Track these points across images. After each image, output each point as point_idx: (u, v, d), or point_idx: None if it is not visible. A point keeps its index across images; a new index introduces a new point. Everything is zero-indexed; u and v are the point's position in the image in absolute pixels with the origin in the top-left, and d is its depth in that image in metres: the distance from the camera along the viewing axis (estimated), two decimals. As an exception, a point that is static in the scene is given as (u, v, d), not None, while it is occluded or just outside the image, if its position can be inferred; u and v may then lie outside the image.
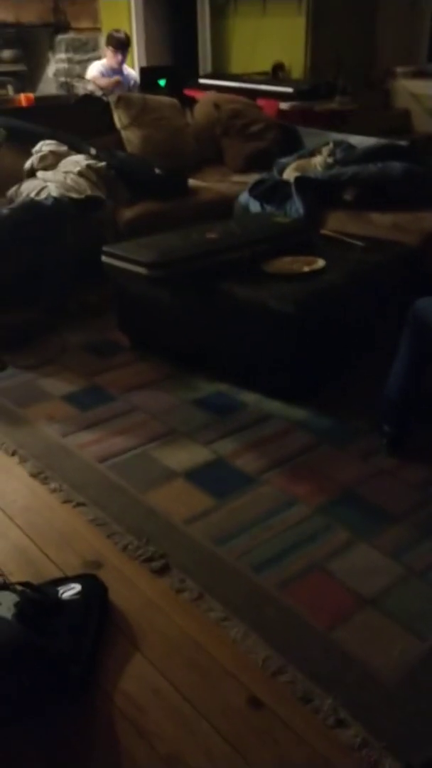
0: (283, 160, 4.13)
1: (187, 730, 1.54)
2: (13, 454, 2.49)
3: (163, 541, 2.05)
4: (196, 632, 1.76)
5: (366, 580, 1.91)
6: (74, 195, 3.63)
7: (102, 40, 6.57)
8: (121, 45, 5.63)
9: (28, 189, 3.74)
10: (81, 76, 6.18)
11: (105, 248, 3.02)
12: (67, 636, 1.64)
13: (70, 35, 6.72)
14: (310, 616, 1.80)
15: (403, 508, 2.19)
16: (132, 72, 5.93)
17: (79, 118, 4.45)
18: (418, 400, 2.46)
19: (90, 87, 5.55)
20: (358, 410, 2.69)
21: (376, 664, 1.67)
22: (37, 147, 3.96)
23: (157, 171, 4.03)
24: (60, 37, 6.69)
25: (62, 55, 6.76)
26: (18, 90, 5.88)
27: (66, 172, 3.77)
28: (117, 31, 5.70)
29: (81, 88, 5.54)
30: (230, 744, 1.51)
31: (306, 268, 2.87)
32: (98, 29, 6.83)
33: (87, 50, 6.79)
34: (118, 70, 5.72)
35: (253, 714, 1.57)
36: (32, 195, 3.65)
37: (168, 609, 1.83)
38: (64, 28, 6.65)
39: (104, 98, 4.75)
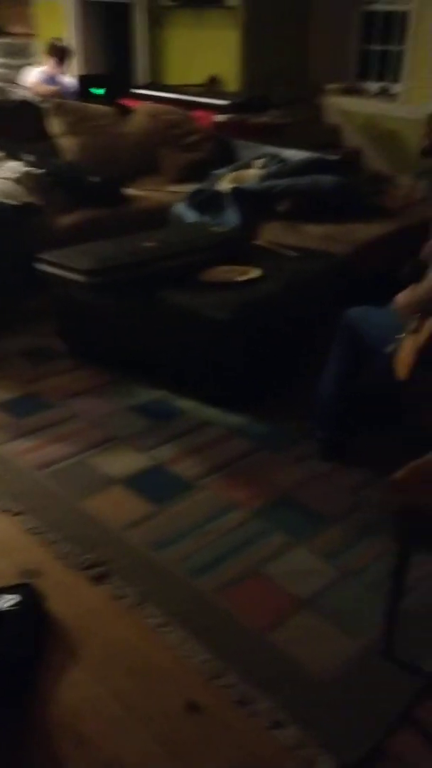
0: (219, 171, 4.19)
1: (125, 736, 1.54)
2: None
3: (103, 548, 2.05)
4: (135, 638, 1.77)
5: (302, 582, 1.95)
6: (10, 202, 3.59)
7: (37, 46, 6.52)
8: (63, 55, 5.62)
9: (-39, 195, 3.66)
10: (16, 82, 6.11)
11: (42, 256, 2.99)
12: (4, 646, 1.62)
13: (7, 40, 6.64)
14: (248, 619, 1.83)
15: (338, 511, 2.25)
16: (71, 81, 5.90)
17: (14, 124, 4.40)
18: (349, 406, 2.53)
19: (26, 93, 5.50)
20: (294, 416, 2.74)
21: (313, 665, 1.71)
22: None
23: (91, 179, 4.02)
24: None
25: (-1, 60, 6.68)
26: None
27: (2, 179, 3.72)
28: (58, 40, 5.68)
29: (17, 94, 5.47)
30: (169, 749, 1.52)
31: (241, 278, 2.92)
32: (32, 35, 6.77)
33: (24, 56, 6.72)
34: (56, 79, 5.69)
35: (192, 718, 1.59)
36: (-34, 201, 3.58)
37: (107, 616, 1.83)
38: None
39: (41, 105, 4.70)
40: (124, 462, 2.47)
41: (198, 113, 5.29)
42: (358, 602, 1.90)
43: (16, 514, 2.20)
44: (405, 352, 2.06)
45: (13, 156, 3.98)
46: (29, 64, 6.26)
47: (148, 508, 2.24)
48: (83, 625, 1.80)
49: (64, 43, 5.64)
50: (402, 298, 2.09)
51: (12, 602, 1.73)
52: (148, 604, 1.86)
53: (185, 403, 2.84)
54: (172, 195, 4.22)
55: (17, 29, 6.71)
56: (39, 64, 5.73)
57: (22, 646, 1.66)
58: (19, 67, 6.42)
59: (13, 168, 3.81)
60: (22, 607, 1.73)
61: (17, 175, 3.74)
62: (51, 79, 5.68)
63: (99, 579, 1.94)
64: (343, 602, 1.89)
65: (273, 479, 2.40)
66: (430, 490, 1.53)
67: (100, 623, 1.81)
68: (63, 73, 5.75)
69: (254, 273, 2.94)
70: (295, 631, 1.80)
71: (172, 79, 6.99)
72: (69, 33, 6.67)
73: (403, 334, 2.12)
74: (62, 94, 5.61)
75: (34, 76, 5.75)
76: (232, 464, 2.48)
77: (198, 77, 6.58)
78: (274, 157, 4.11)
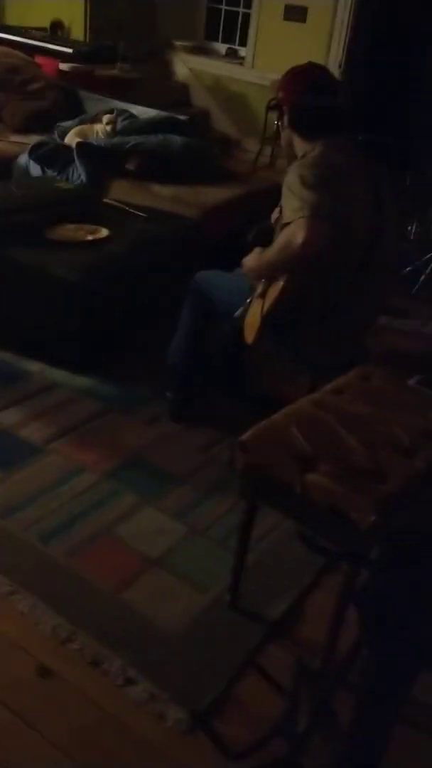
0: (65, 123, 4.03)
1: (-27, 707, 1.51)
2: None
3: None
4: (-19, 608, 1.72)
5: (152, 541, 1.99)
6: None
7: None
8: None
9: None
10: None
11: None
12: None
13: None
14: (99, 580, 1.84)
15: (186, 470, 2.29)
16: None
17: None
18: (198, 368, 2.57)
19: None
20: (143, 378, 2.75)
21: (163, 621, 1.75)
22: None
23: None
24: None
25: None
26: None
27: None
28: None
29: None
30: (19, 716, 1.51)
31: (90, 237, 2.86)
32: None
33: None
34: None
35: (43, 683, 1.58)
36: None
37: None
38: None
39: None
40: (-34, 427, 2.37)
41: (41, 59, 5.04)
42: (206, 558, 1.96)
43: None
44: (252, 317, 2.11)
45: None
46: None
47: (-8, 473, 2.17)
48: None
49: None
50: (249, 261, 2.13)
51: None
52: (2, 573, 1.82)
53: (32, 365, 2.75)
54: (14, 145, 4.01)
55: None
56: None
57: None
58: None
59: None
60: None
61: None
62: None
63: None
64: (192, 559, 1.95)
65: (122, 441, 2.40)
66: (273, 450, 1.60)
67: None
68: None
69: (102, 233, 2.88)
70: (146, 589, 1.83)
71: (12, 20, 6.57)
72: None
73: (251, 299, 2.17)
74: None
75: None
76: (81, 426, 2.45)
77: (40, 21, 6.24)
78: (122, 113, 4.01)
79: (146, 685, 1.59)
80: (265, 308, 2.00)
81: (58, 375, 2.72)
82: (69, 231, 2.87)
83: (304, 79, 2.08)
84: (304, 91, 2.05)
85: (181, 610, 1.79)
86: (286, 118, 2.08)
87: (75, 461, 2.27)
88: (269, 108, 4.62)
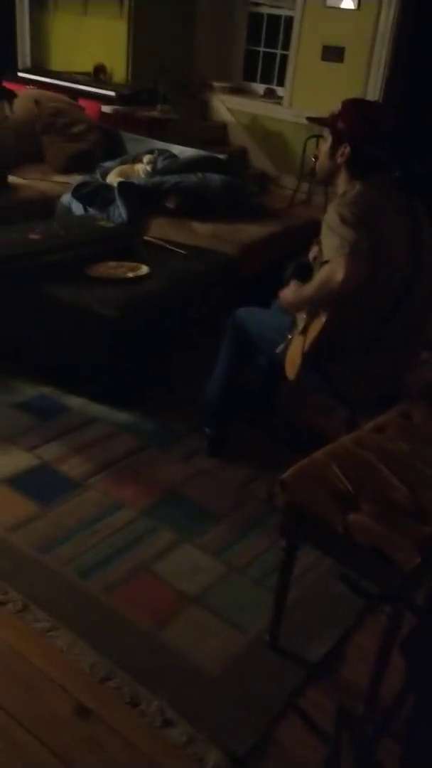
0: (107, 164, 4.13)
1: (11, 745, 1.50)
2: None
3: (-16, 552, 1.98)
4: (20, 644, 1.72)
5: (190, 578, 1.97)
6: None
7: None
8: None
9: None
10: None
11: None
12: None
13: None
14: (137, 618, 1.83)
15: (224, 507, 2.28)
16: None
17: None
18: (235, 403, 2.58)
19: None
20: (180, 413, 2.75)
21: (201, 660, 1.73)
22: None
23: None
24: None
25: None
26: None
27: None
28: None
29: None
30: (56, 755, 1.50)
31: (130, 274, 2.90)
32: None
33: None
34: None
35: (80, 722, 1.57)
36: None
37: (-10, 622, 1.77)
38: None
39: None
40: (8, 461, 2.39)
41: (84, 102, 5.19)
42: (245, 597, 1.94)
43: None
44: (294, 353, 2.11)
45: None
46: None
47: (33, 508, 2.18)
48: (-35, 633, 1.73)
49: None
50: (287, 294, 2.14)
51: None
52: (34, 608, 1.82)
53: (71, 400, 2.78)
54: (58, 185, 4.12)
55: None
56: None
57: None
58: None
59: None
60: None
61: None
62: None
63: (-19, 583, 1.87)
64: (230, 598, 1.93)
65: (160, 476, 2.40)
66: (314, 489, 1.58)
67: (-17, 629, 1.75)
68: None
69: (142, 270, 2.93)
70: (184, 628, 1.82)
71: (57, 66, 6.81)
72: None
73: (292, 336, 2.17)
74: None
75: None
76: (119, 462, 2.46)
77: (83, 66, 6.45)
78: (162, 153, 4.10)
79: (184, 727, 1.57)
80: (307, 344, 2.01)
81: (98, 410, 2.74)
82: (110, 268, 2.92)
83: (373, 123, 2.07)
84: (370, 134, 2.04)
85: (219, 649, 1.77)
86: (340, 151, 2.06)
87: (113, 497, 2.27)
88: (313, 137, 4.67)
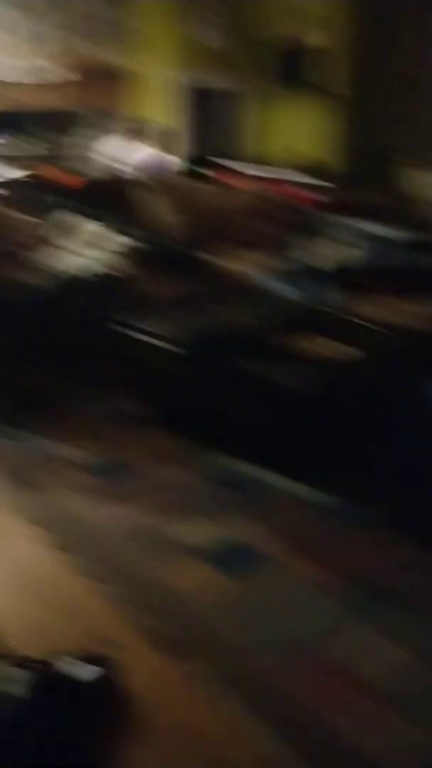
0: (314, 245, 4.23)
1: None
2: (30, 521, 2.46)
3: (183, 626, 1.99)
4: (212, 727, 1.68)
5: (367, 663, 1.84)
6: (107, 271, 3.73)
7: (148, 128, 6.88)
8: (166, 143, 5.88)
9: (59, 262, 3.85)
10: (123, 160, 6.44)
11: (130, 323, 3.08)
12: (77, 719, 1.58)
13: (115, 120, 7.04)
14: (337, 717, 1.71)
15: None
16: (169, 159, 6.17)
17: (120, 200, 4.62)
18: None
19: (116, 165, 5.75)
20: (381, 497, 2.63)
21: (373, 753, 1.59)
22: (57, 216, 4.09)
23: (183, 249, 4.15)
24: (105, 121, 7.02)
25: (107, 138, 7.08)
26: (62, 169, 6.16)
27: (96, 247, 3.90)
28: (161, 124, 5.94)
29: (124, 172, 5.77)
30: None
31: (334, 354, 2.89)
32: (141, 118, 7.18)
33: (131, 134, 7.10)
34: (157, 158, 5.97)
35: None
36: (64, 268, 3.75)
37: (184, 698, 1.76)
38: (110, 114, 6.98)
39: (146, 182, 4.95)
40: (203, 533, 2.43)
41: (297, 191, 5.42)
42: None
43: (97, 580, 2.18)
44: None
45: (114, 229, 4.16)
46: (138, 145, 6.61)
47: (224, 582, 2.18)
48: (159, 707, 1.72)
49: (166, 127, 5.92)
50: None
51: (88, 674, 1.69)
52: (228, 690, 1.78)
53: (272, 478, 2.78)
54: (266, 269, 4.28)
55: (130, 112, 7.14)
56: (145, 145, 6.03)
57: (94, 720, 1.61)
58: (125, 145, 6.80)
59: (113, 240, 3.99)
60: (98, 680, 1.69)
61: (116, 246, 3.90)
62: (153, 160, 5.96)
63: (174, 654, 1.88)
64: (411, 690, 1.77)
65: (358, 559, 2.31)
66: None
67: (177, 706, 1.74)
68: (163, 154, 6.00)
69: (347, 349, 2.91)
70: (356, 715, 1.68)
71: (274, 158, 7.20)
72: (175, 116, 7.03)
73: None
74: (161, 173, 5.86)
75: (134, 157, 6.04)
76: (319, 542, 2.39)
77: (299, 157, 6.77)
78: (370, 235, 4.12)
79: None
80: None
81: (299, 490, 2.70)
82: (313, 346, 2.94)
83: None
84: None
85: (393, 744, 1.60)
86: None
87: (306, 576, 2.21)
88: None
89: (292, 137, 7.06)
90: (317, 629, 1.99)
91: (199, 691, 1.78)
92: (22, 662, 1.71)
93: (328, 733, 1.67)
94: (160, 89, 7.11)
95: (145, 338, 2.98)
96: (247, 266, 4.41)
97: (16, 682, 1.59)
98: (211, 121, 7.46)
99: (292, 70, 6.86)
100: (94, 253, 3.88)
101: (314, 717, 1.71)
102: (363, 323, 3.27)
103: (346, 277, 3.64)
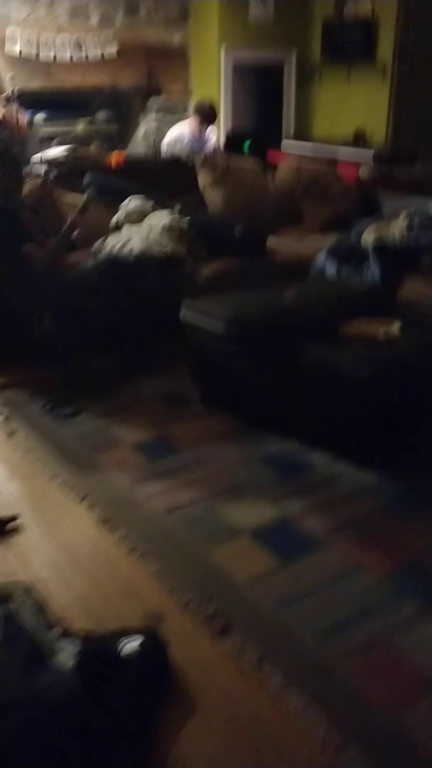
0: (362, 224, 4.17)
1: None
2: (83, 499, 2.53)
3: (226, 600, 2.03)
4: (256, 699, 1.72)
5: (434, 659, 1.83)
6: (156, 250, 3.75)
7: (192, 102, 6.84)
8: (207, 117, 5.82)
9: (112, 243, 3.88)
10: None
11: (186, 302, 3.09)
12: (125, 691, 1.63)
13: (161, 98, 7.05)
14: (374, 693, 1.73)
15: None
16: (213, 135, 6.12)
17: (165, 177, 4.62)
18: None
19: (176, 150, 5.76)
20: (430, 477, 2.62)
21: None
22: (125, 202, 4.12)
23: (237, 230, 4.13)
24: (151, 100, 7.02)
25: (152, 116, 7.08)
26: (109, 149, 6.16)
27: (149, 228, 3.90)
28: (204, 101, 5.91)
29: (165, 152, 5.77)
30: None
31: (382, 334, 2.86)
32: (188, 93, 7.14)
33: (176, 112, 7.08)
34: (199, 134, 5.92)
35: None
36: (116, 249, 3.79)
37: (228, 672, 1.80)
38: (156, 92, 6.98)
39: (189, 160, 4.92)
40: (251, 512, 2.45)
41: (342, 166, 5.33)
42: None
43: (143, 555, 2.23)
44: None
45: (161, 207, 4.17)
46: (182, 119, 6.59)
47: (272, 562, 2.20)
48: (203, 678, 1.77)
49: (210, 103, 5.86)
50: None
51: (135, 645, 1.74)
52: (270, 663, 1.81)
53: (317, 456, 2.79)
54: (313, 246, 4.24)
55: (174, 89, 7.10)
56: (190, 122, 5.98)
57: (143, 692, 1.65)
58: (171, 123, 6.77)
59: (161, 218, 3.99)
60: (145, 652, 1.74)
61: (163, 224, 3.91)
62: (192, 137, 5.90)
63: (221, 632, 1.92)
64: None
65: (404, 542, 2.29)
66: None
67: (221, 678, 1.78)
68: (205, 130, 5.95)
69: (395, 329, 2.87)
70: (427, 716, 1.68)
71: (318, 133, 7.11)
72: (221, 91, 6.97)
73: None
74: (206, 150, 5.81)
75: (175, 133, 6.00)
76: (363, 523, 2.40)
77: (344, 131, 6.66)
78: (419, 211, 4.04)
79: None
80: None
81: (342, 468, 2.71)
82: (361, 328, 2.91)
83: None
84: None
85: None
86: None
87: (354, 559, 2.21)
88: None
89: (340, 112, 6.96)
90: (361, 610, 2.00)
91: (242, 666, 1.81)
92: (72, 634, 1.77)
93: (362, 707, 1.69)
94: (203, 65, 7.04)
95: (199, 317, 2.99)
96: (298, 246, 4.39)
97: (66, 653, 1.64)
98: (257, 98, 7.37)
99: (339, 43, 6.73)
100: (141, 231, 3.90)
101: (355, 694, 1.73)
102: (410, 303, 3.22)
103: (399, 257, 3.58)
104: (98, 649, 1.70)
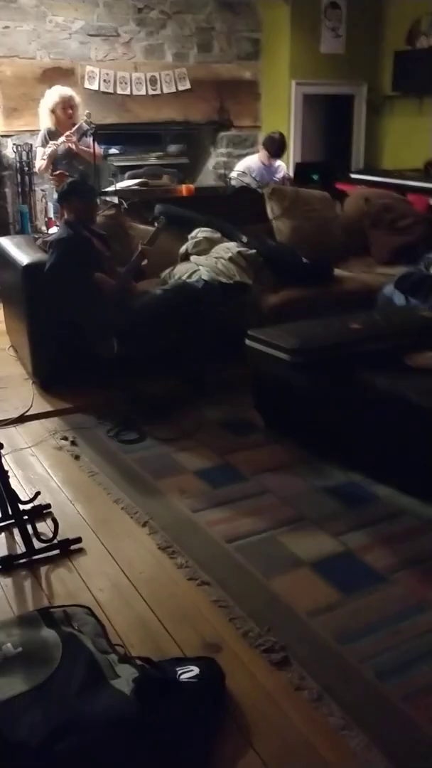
0: (431, 254, 4.12)
1: None
2: (144, 524, 2.55)
3: (285, 632, 2.00)
4: (313, 736, 1.68)
5: None
6: (223, 279, 3.79)
7: (260, 136, 6.94)
8: (277, 150, 5.88)
9: (180, 271, 3.94)
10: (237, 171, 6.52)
11: (250, 332, 3.11)
12: (181, 720, 1.62)
13: (232, 132, 7.17)
14: (438, 736, 1.67)
15: None
16: (283, 165, 6.18)
17: (233, 208, 4.68)
18: None
19: (246, 180, 5.83)
20: None
21: None
22: (193, 233, 4.19)
23: (304, 260, 4.13)
24: (222, 133, 7.15)
25: (222, 150, 7.20)
26: (180, 181, 6.29)
27: (217, 258, 3.95)
28: (275, 133, 5.98)
29: (236, 181, 5.85)
30: None
31: (451, 364, 2.81)
32: (258, 127, 7.24)
33: (245, 146, 7.19)
34: (268, 165, 5.98)
35: None
36: (184, 277, 3.85)
37: (285, 706, 1.76)
38: (227, 125, 7.11)
39: (259, 190, 4.97)
40: (313, 544, 2.42)
41: (412, 197, 5.29)
42: None
43: (203, 583, 2.22)
44: None
45: (228, 237, 4.22)
46: (252, 153, 6.67)
47: (335, 595, 2.16)
48: (260, 711, 1.74)
49: (279, 135, 5.92)
50: None
51: (193, 674, 1.73)
52: (329, 700, 1.77)
53: (381, 489, 2.74)
54: (380, 277, 4.21)
55: (244, 122, 7.21)
56: (260, 153, 6.06)
57: (199, 721, 1.64)
58: (241, 156, 6.87)
59: (228, 247, 4.04)
60: (203, 681, 1.72)
61: (231, 254, 3.95)
62: (263, 166, 5.96)
63: (279, 664, 1.88)
64: None
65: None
66: None
67: (278, 712, 1.74)
68: (274, 162, 6.00)
69: (464, 360, 2.81)
70: None
71: (388, 165, 7.08)
72: (290, 123, 7.03)
73: None
74: (275, 180, 5.86)
75: (245, 164, 6.08)
76: (428, 560, 2.32)
77: (414, 162, 6.61)
78: None
79: None
80: None
81: (408, 502, 2.65)
82: (429, 359, 2.86)
83: None
84: None
85: None
86: None
87: (419, 596, 2.15)
88: None
89: (411, 143, 6.92)
90: (425, 649, 1.93)
91: (300, 701, 1.77)
92: (131, 658, 1.77)
93: (426, 750, 1.63)
94: (274, 98, 7.14)
95: (264, 347, 3.00)
96: (366, 275, 4.36)
97: (125, 678, 1.65)
98: (327, 130, 7.41)
99: (410, 73, 6.72)
100: (209, 261, 3.95)
101: (418, 736, 1.67)
102: None
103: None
104: (156, 676, 1.69)
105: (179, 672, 1.74)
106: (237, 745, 1.65)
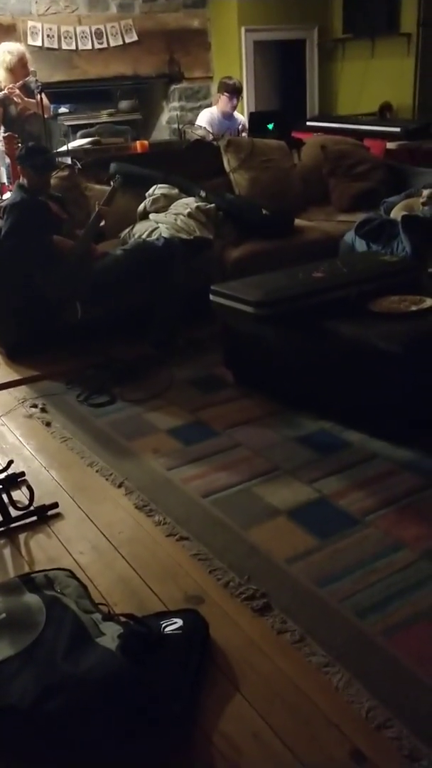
0: (391, 199, 4.11)
1: (287, 778, 1.50)
2: (120, 485, 2.56)
3: (265, 580, 2.04)
4: (297, 676, 1.72)
5: None
6: (184, 236, 3.75)
7: (213, 87, 6.80)
8: (234, 91, 5.77)
9: (140, 230, 3.89)
10: (192, 123, 6.40)
11: (213, 287, 3.09)
12: (168, 671, 1.65)
13: (183, 85, 7.02)
14: (418, 668, 1.72)
15: None
16: (241, 117, 6.08)
17: (190, 162, 4.60)
18: None
19: (200, 132, 5.73)
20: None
21: None
22: (150, 191, 4.12)
23: (264, 212, 4.10)
24: (174, 86, 6.99)
25: (175, 104, 7.05)
26: (133, 137, 6.16)
27: (176, 214, 3.90)
28: (229, 78, 5.86)
29: (191, 134, 5.74)
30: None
31: (414, 308, 2.83)
32: (209, 78, 7.09)
33: (198, 98, 7.05)
34: (229, 115, 5.87)
35: (356, 768, 1.52)
36: (144, 236, 3.80)
37: (269, 650, 1.81)
38: (178, 78, 6.95)
39: (214, 143, 4.89)
40: (288, 493, 2.45)
41: (369, 142, 5.26)
42: None
43: (182, 539, 2.25)
44: None
45: (186, 192, 4.16)
46: (205, 106, 6.55)
47: (312, 541, 2.20)
48: (244, 657, 1.79)
49: (234, 80, 5.80)
50: None
51: (177, 626, 1.76)
52: (311, 641, 1.81)
53: (352, 435, 2.77)
54: (342, 225, 4.21)
55: (196, 74, 7.05)
56: (212, 104, 5.95)
57: (185, 671, 1.67)
58: (196, 109, 6.74)
59: (187, 203, 3.99)
60: (187, 633, 1.75)
61: (190, 210, 3.90)
62: (223, 117, 5.85)
63: (261, 611, 1.92)
64: None
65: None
66: None
67: (262, 657, 1.78)
68: (235, 108, 5.89)
69: (427, 303, 2.83)
70: (470, 687, 1.67)
71: (344, 110, 7.01)
72: (243, 73, 6.90)
73: None
74: (229, 131, 5.76)
75: (204, 117, 5.97)
76: (401, 501, 2.37)
77: (369, 107, 6.55)
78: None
79: (468, 796, 1.43)
80: None
81: (378, 446, 2.69)
82: (393, 303, 2.88)
83: None
84: None
85: None
86: None
87: (393, 536, 2.20)
88: None
89: (365, 87, 6.85)
90: (402, 587, 1.99)
91: (283, 644, 1.81)
92: (115, 616, 1.80)
93: (406, 683, 1.68)
94: (224, 48, 6.98)
95: (228, 301, 2.99)
96: (327, 223, 4.34)
97: (109, 635, 1.67)
98: (280, 77, 7.29)
99: (361, 16, 6.61)
100: (168, 218, 3.90)
101: (398, 671, 1.72)
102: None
103: (423, 228, 3.52)
104: (141, 630, 1.72)
105: (163, 625, 1.77)
106: (224, 692, 1.69)
